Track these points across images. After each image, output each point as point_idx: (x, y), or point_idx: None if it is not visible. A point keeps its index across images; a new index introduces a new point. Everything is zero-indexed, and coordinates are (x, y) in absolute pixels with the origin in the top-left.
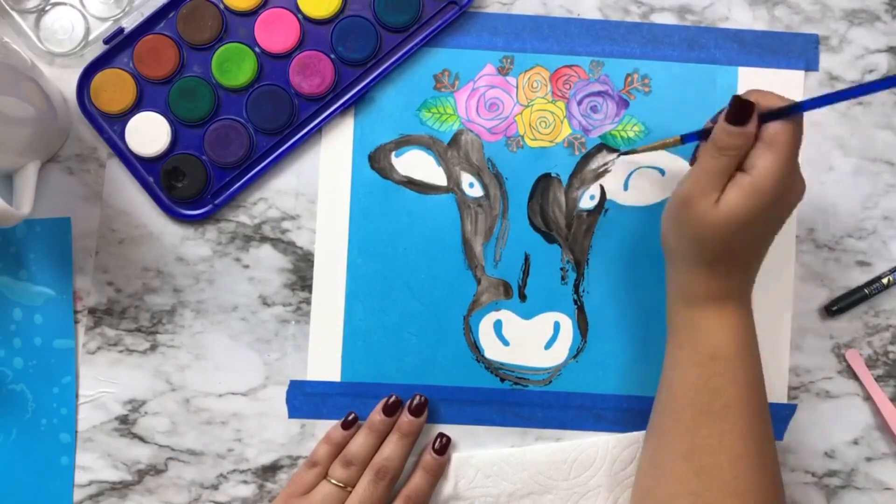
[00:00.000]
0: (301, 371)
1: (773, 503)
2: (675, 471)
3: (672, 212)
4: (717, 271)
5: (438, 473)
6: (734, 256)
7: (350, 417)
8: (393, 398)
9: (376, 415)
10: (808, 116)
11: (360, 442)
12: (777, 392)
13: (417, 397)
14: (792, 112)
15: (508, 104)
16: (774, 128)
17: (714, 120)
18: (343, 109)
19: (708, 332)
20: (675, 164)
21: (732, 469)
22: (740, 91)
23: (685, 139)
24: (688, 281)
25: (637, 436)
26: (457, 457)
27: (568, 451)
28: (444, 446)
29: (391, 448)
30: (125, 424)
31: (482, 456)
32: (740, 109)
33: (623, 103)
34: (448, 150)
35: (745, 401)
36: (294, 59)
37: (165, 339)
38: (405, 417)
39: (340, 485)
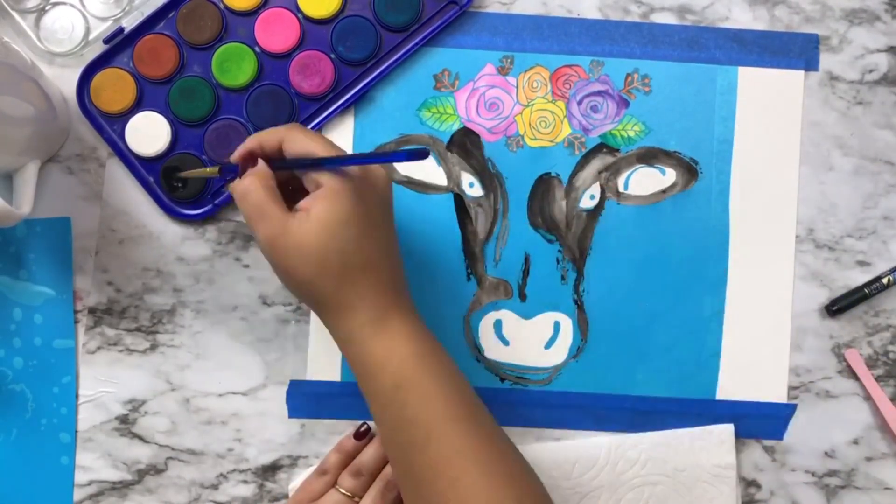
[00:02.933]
0: (301, 371)
1: (535, 486)
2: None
3: (259, 242)
4: (341, 290)
5: None
6: (342, 266)
7: (362, 429)
8: None
9: None
10: (808, 116)
11: (370, 453)
12: (777, 392)
13: None
14: (308, 167)
15: (508, 104)
16: (320, 180)
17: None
18: (343, 109)
19: (384, 363)
20: (676, 165)
21: (474, 486)
22: (741, 91)
23: (223, 171)
24: (328, 314)
25: (640, 437)
26: None
27: (570, 451)
28: None
29: None
30: (125, 424)
31: None
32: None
33: (623, 103)
34: (448, 150)
35: (444, 418)
36: (294, 58)
37: (165, 338)
38: None
39: (349, 494)
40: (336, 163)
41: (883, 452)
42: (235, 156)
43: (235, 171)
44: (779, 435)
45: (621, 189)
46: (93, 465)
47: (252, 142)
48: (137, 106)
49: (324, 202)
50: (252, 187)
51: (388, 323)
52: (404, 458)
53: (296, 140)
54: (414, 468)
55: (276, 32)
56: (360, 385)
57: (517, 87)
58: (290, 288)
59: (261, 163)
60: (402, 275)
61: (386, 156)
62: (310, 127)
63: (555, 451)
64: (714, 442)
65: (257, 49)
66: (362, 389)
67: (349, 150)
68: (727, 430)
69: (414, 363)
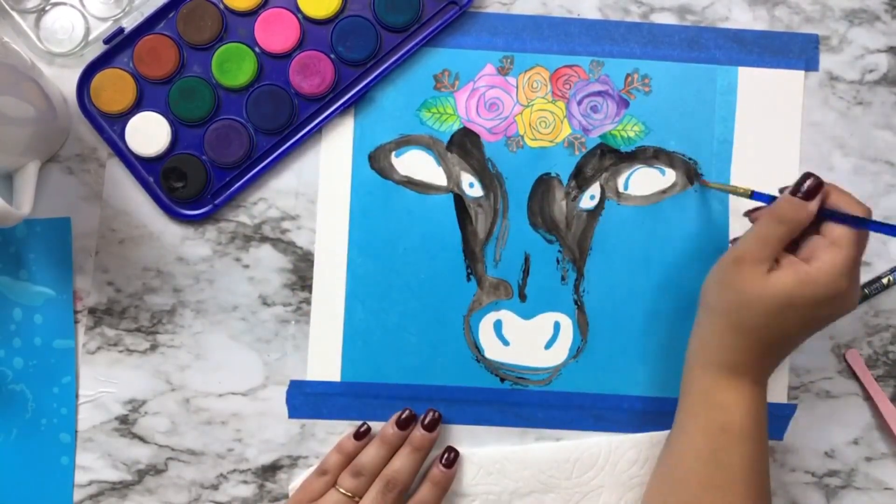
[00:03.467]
0: (301, 371)
1: None
2: None
3: (720, 268)
4: (746, 342)
5: (446, 487)
6: (766, 333)
7: (363, 429)
8: (407, 412)
9: (389, 428)
10: (808, 116)
11: (371, 453)
12: (777, 392)
13: (431, 413)
14: (853, 223)
15: (508, 104)
16: (842, 230)
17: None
18: (343, 109)
19: (723, 405)
20: (676, 165)
21: None
22: (741, 91)
23: (754, 196)
24: (715, 343)
25: (640, 437)
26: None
27: (570, 451)
28: (451, 461)
29: (401, 461)
30: (125, 424)
31: (484, 453)
32: (809, 185)
33: (623, 103)
34: (448, 149)
35: (750, 477)
36: (294, 59)
37: (165, 339)
38: (418, 432)
39: (349, 494)
40: (884, 229)
41: (883, 452)
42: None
43: (766, 200)
44: (779, 435)
45: (621, 189)
46: (93, 466)
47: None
48: (137, 106)
49: (791, 280)
50: (795, 215)
51: (743, 381)
52: (694, 487)
53: (841, 200)
54: (703, 502)
55: (276, 32)
56: (682, 404)
57: (517, 88)
58: (704, 295)
59: (815, 204)
60: (780, 359)
61: None
62: (309, 127)
63: (555, 451)
64: None
65: (257, 49)
66: (689, 409)
67: (349, 151)
68: None
69: (749, 424)
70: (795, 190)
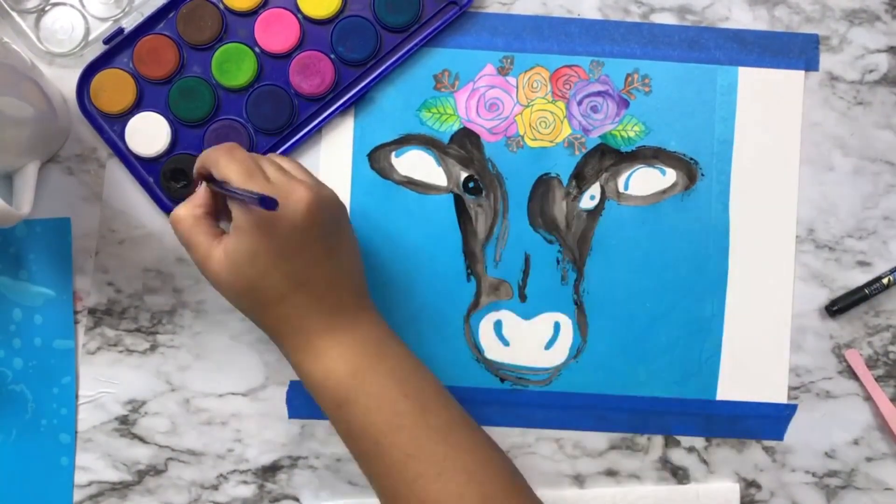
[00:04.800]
0: None
1: (499, 477)
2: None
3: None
4: (275, 315)
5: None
6: (250, 306)
7: None
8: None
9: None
10: (808, 116)
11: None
12: (777, 392)
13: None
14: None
15: (508, 104)
16: (232, 212)
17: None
18: (343, 109)
19: (322, 384)
20: (676, 165)
21: (431, 488)
22: (741, 91)
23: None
24: (272, 337)
25: (646, 490)
26: None
27: (576, 502)
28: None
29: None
30: (125, 425)
31: None
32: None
33: (623, 103)
34: (448, 150)
35: (388, 428)
36: (294, 59)
37: (165, 339)
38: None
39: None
40: (237, 194)
41: (883, 452)
42: (195, 174)
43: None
44: (779, 435)
45: (621, 189)
46: (93, 466)
47: (199, 161)
48: (137, 106)
49: (231, 239)
50: (181, 216)
51: (319, 345)
52: (364, 465)
53: (218, 164)
54: (373, 475)
55: (276, 33)
56: (313, 393)
57: (517, 88)
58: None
59: (199, 189)
60: (336, 292)
61: (249, 195)
62: (309, 127)
63: (560, 502)
64: (720, 501)
65: (257, 49)
66: (317, 398)
67: (349, 151)
68: (733, 489)
69: (351, 381)
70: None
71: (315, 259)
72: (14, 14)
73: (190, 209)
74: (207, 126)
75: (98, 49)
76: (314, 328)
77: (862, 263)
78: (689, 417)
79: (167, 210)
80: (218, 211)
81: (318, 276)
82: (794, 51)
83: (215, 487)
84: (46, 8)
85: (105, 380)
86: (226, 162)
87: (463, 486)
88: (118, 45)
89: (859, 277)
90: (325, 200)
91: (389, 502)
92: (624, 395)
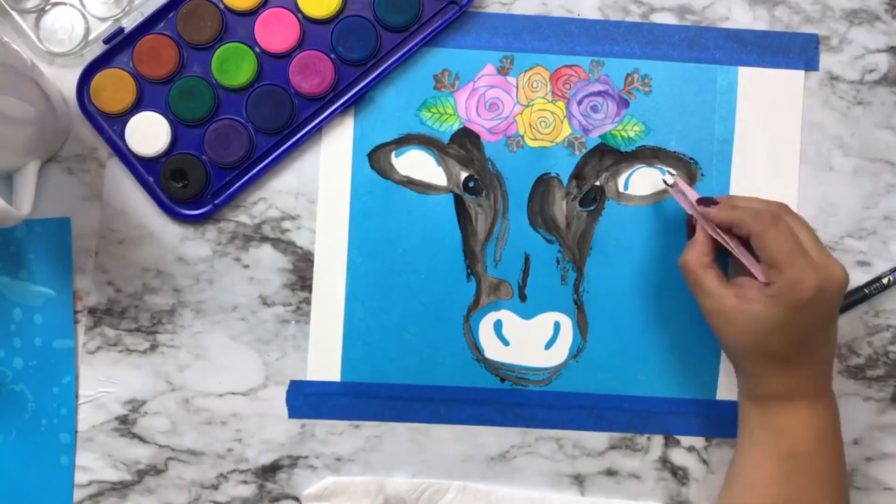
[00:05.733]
0: (301, 371)
1: None
2: None
3: (703, 303)
4: (769, 370)
5: None
6: (777, 356)
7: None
8: None
9: None
10: (808, 116)
11: None
12: None
13: None
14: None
15: (508, 104)
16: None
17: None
18: (343, 109)
19: (785, 430)
20: (676, 165)
21: None
22: (741, 91)
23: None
24: (745, 379)
25: None
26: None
27: None
28: None
29: None
30: (125, 424)
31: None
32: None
33: (623, 103)
34: (448, 149)
35: (828, 497)
36: (294, 58)
37: (165, 339)
38: None
39: None
40: None
41: (883, 452)
42: (711, 221)
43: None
44: None
45: (621, 189)
46: (93, 466)
47: (730, 216)
48: (137, 106)
49: (771, 308)
50: (689, 263)
51: (798, 404)
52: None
53: (764, 236)
54: None
55: (276, 32)
56: (749, 433)
57: (517, 88)
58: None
59: (699, 234)
60: (828, 365)
61: None
62: (309, 127)
63: None
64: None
65: (257, 49)
66: (754, 437)
67: (349, 151)
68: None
69: (815, 445)
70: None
71: (825, 333)
72: (14, 14)
73: (697, 255)
74: (207, 126)
75: (98, 49)
76: (801, 392)
77: (862, 263)
78: (689, 417)
79: (167, 210)
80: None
81: (822, 349)
82: (794, 51)
83: (215, 487)
84: (46, 7)
85: (105, 379)
86: (774, 238)
87: None
88: (118, 45)
89: (859, 277)
90: (848, 279)
91: None
92: (624, 395)
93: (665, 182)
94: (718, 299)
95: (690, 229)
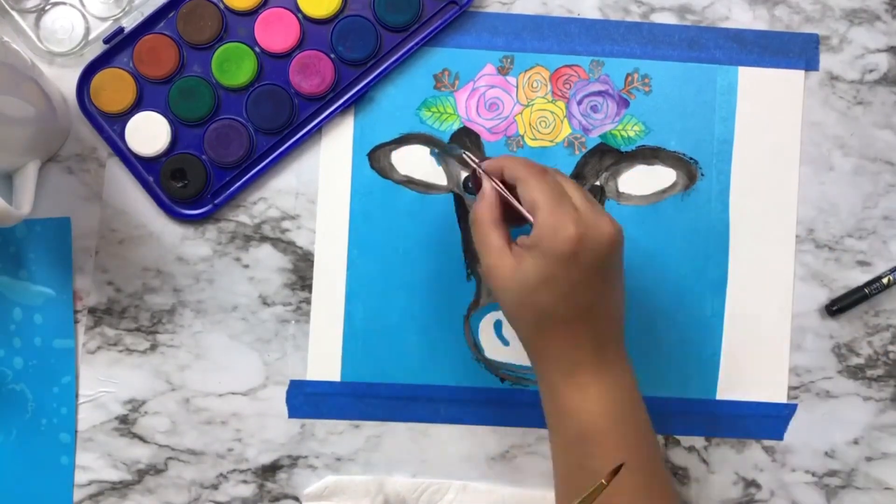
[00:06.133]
0: (301, 371)
1: None
2: None
3: (483, 268)
4: (549, 337)
5: None
6: (556, 317)
7: None
8: None
9: None
10: (808, 116)
11: None
12: (777, 392)
13: None
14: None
15: (508, 104)
16: (526, 194)
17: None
18: (343, 109)
19: (570, 412)
20: (676, 165)
21: None
22: (741, 91)
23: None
24: (534, 359)
25: None
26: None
27: None
28: None
29: None
30: (125, 424)
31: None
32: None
33: (623, 103)
34: (448, 149)
35: (630, 480)
36: (294, 58)
37: (165, 338)
38: None
39: None
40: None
41: (883, 452)
42: (482, 169)
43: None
44: (779, 435)
45: (621, 189)
46: (93, 465)
47: (500, 164)
48: (137, 106)
49: (528, 259)
50: (479, 215)
51: (580, 378)
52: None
53: (528, 183)
54: None
55: (276, 32)
56: (546, 418)
57: (517, 87)
58: (502, 308)
59: (487, 186)
60: (609, 330)
61: None
62: (309, 127)
63: None
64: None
65: (257, 49)
66: (548, 422)
67: (349, 151)
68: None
69: (603, 421)
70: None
71: (602, 294)
72: (14, 13)
73: (488, 209)
74: (207, 125)
75: (98, 48)
76: (582, 360)
77: (862, 263)
78: (689, 417)
79: (167, 210)
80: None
81: (600, 311)
82: (794, 50)
83: (215, 487)
84: (46, 7)
85: (105, 379)
86: (536, 183)
87: None
88: (118, 45)
89: (859, 277)
90: (621, 236)
91: None
92: None
93: (466, 158)
94: (497, 256)
95: (475, 184)
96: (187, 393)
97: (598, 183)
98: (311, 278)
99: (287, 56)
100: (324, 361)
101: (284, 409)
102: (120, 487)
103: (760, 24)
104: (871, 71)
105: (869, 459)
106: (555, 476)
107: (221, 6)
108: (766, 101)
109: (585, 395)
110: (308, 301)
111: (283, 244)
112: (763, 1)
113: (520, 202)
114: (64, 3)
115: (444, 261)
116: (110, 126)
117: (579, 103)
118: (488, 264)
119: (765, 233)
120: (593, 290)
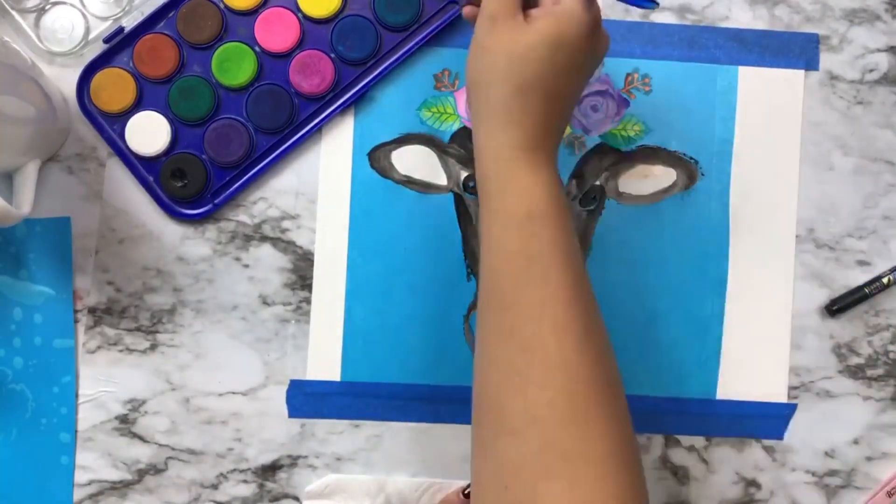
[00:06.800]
0: (301, 371)
1: (602, 377)
2: (499, 354)
3: (478, 40)
4: (532, 103)
5: None
6: (548, 85)
7: (467, 491)
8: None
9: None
10: (808, 116)
11: None
12: (777, 392)
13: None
14: None
15: None
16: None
17: None
18: (343, 109)
19: (524, 191)
20: (677, 165)
21: (556, 340)
22: (741, 91)
23: None
24: (501, 120)
25: None
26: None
27: None
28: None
29: None
30: (125, 424)
31: None
32: None
33: (623, 102)
34: (448, 149)
35: (565, 264)
36: (294, 58)
37: (165, 338)
38: None
39: None
40: None
41: (883, 452)
42: None
43: None
44: (779, 435)
45: (621, 189)
46: (93, 465)
47: None
48: (137, 105)
49: (552, 20)
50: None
51: (540, 156)
52: (509, 290)
53: None
54: (521, 301)
55: (276, 32)
56: (481, 200)
57: None
58: (473, 77)
59: None
60: (566, 122)
61: None
62: (309, 127)
63: None
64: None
65: (257, 49)
66: (484, 206)
67: (349, 151)
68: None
69: (551, 206)
70: None
71: (580, 86)
72: (14, 13)
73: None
74: (207, 125)
75: (98, 48)
76: (545, 138)
77: (862, 263)
78: (689, 417)
79: (167, 209)
80: None
81: (572, 101)
82: (794, 50)
83: (215, 487)
84: (46, 7)
85: (105, 379)
86: None
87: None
88: (118, 45)
89: (859, 277)
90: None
91: (519, 344)
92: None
93: None
94: (506, 5)
95: None
96: (187, 393)
97: (598, 183)
98: (311, 278)
99: (287, 56)
100: (324, 361)
101: (284, 409)
102: (120, 487)
103: (760, 24)
104: (871, 71)
105: (869, 459)
106: (483, 265)
107: (221, 6)
108: (767, 100)
109: (539, 175)
110: (308, 301)
111: (283, 244)
112: (763, 1)
113: None
114: (64, 3)
115: (444, 261)
116: (110, 126)
117: (579, 103)
118: (492, 11)
119: (765, 233)
120: (580, 77)
